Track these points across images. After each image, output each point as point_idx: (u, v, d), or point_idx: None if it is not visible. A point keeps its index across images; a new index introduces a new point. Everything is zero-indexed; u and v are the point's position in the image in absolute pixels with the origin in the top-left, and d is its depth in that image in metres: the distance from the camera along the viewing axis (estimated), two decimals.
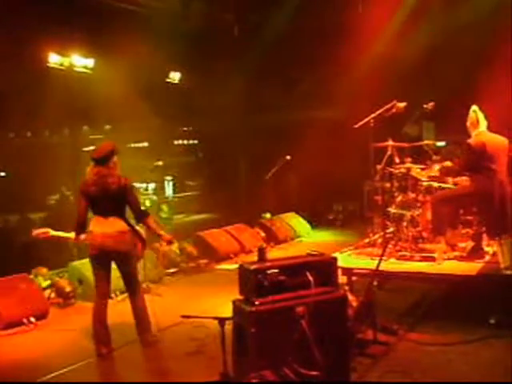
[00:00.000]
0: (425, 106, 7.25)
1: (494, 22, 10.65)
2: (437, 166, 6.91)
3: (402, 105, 7.21)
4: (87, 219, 5.52)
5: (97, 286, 5.60)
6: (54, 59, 11.64)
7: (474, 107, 6.51)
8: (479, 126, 6.39)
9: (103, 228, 5.41)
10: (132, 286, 5.64)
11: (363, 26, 12.03)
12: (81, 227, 5.46)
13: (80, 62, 12.05)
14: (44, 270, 8.04)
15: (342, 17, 12.59)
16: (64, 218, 12.38)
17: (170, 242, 5.73)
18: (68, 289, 7.60)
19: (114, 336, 6.00)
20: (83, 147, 15.38)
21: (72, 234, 5.47)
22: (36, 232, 5.53)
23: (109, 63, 12.12)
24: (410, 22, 11.47)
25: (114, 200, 5.42)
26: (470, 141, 6.34)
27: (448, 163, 6.78)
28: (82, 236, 5.44)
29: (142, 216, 5.56)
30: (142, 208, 5.72)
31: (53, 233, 5.51)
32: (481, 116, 6.43)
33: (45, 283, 7.74)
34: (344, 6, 12.78)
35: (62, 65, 11.78)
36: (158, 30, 11.69)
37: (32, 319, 6.68)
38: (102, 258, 5.47)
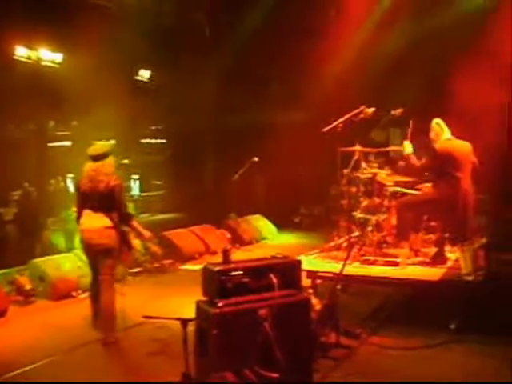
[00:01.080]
0: (392, 112, 7.31)
1: (460, 30, 10.82)
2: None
3: (371, 110, 7.25)
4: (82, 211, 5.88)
5: (91, 273, 6.01)
6: (20, 52, 11.45)
7: (437, 120, 6.57)
8: (443, 134, 6.46)
9: (91, 222, 5.75)
10: (105, 282, 5.75)
11: (335, 30, 12.12)
12: (79, 218, 5.90)
13: (48, 55, 11.88)
14: None
15: (315, 20, 12.66)
16: (30, 214, 12.20)
17: (150, 239, 6.42)
18: (28, 287, 7.46)
19: (74, 335, 5.96)
20: (49, 142, 15.17)
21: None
22: None
23: (77, 58, 11.99)
24: (381, 28, 11.59)
25: (103, 197, 5.69)
26: (437, 146, 6.39)
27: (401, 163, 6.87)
28: None
29: (126, 218, 5.86)
30: (127, 210, 6.00)
31: None
32: (444, 126, 6.50)
33: None
34: (317, 9, 12.85)
35: (29, 58, 11.60)
36: (129, 26, 11.59)
37: None
38: (88, 250, 5.86)
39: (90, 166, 5.78)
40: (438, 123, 6.55)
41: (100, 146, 5.96)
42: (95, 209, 5.74)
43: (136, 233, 6.08)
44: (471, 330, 5.40)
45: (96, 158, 5.78)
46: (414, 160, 6.61)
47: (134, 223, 5.98)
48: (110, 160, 5.84)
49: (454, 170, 6.25)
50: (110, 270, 5.78)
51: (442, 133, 6.48)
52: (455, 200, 6.19)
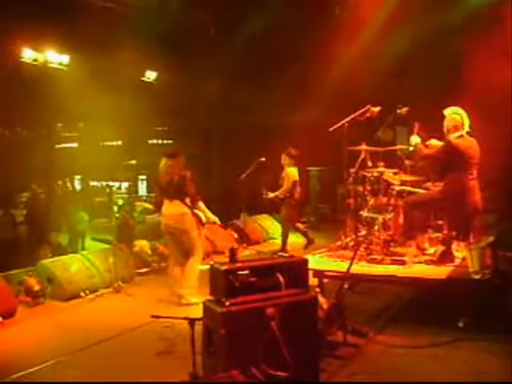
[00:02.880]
0: (398, 110, 7.28)
1: (467, 29, 10.80)
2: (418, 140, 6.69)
3: (377, 109, 7.25)
4: (163, 200, 7.17)
5: (170, 253, 7.50)
6: (28, 54, 11.50)
7: (458, 109, 6.35)
8: (463, 128, 6.27)
9: (169, 209, 7.07)
10: (187, 254, 7.17)
11: (340, 30, 12.12)
12: (158, 206, 7.33)
13: (55, 58, 11.93)
14: None
15: (320, 18, 12.66)
16: (39, 216, 12.26)
17: (214, 221, 7.52)
18: (37, 288, 7.48)
19: (82, 335, 5.99)
20: (56, 144, 15.22)
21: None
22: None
23: (84, 60, 12.03)
24: (386, 28, 11.56)
25: (177, 187, 6.99)
26: (452, 140, 6.23)
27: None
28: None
29: (194, 201, 7.11)
30: (195, 195, 7.19)
31: (139, 204, 8.01)
32: (466, 119, 6.29)
33: None
34: (322, 9, 12.84)
35: (36, 60, 11.65)
36: (135, 27, 11.61)
37: None
38: (168, 233, 7.22)
39: (165, 162, 7.09)
40: (459, 113, 6.31)
41: (173, 147, 7.48)
42: (171, 198, 7.03)
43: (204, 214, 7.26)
44: (479, 328, 5.39)
45: (170, 155, 7.11)
46: (423, 149, 6.54)
47: (201, 206, 7.20)
48: (181, 158, 7.12)
49: (464, 168, 6.18)
50: (189, 246, 7.11)
51: (461, 126, 6.26)
52: (462, 198, 6.17)
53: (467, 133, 6.31)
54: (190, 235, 7.08)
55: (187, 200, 7.06)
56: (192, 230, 7.09)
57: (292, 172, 9.83)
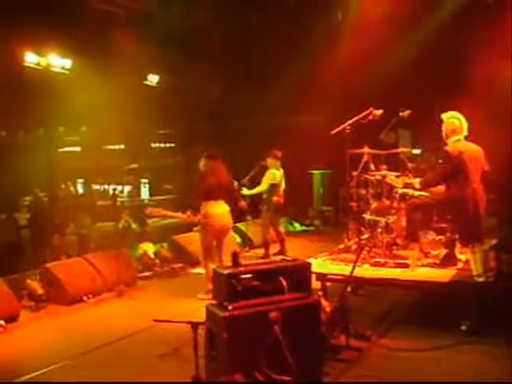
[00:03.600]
0: (400, 113, 7.27)
1: (466, 31, 10.80)
2: (417, 179, 6.80)
3: (379, 112, 7.24)
4: (200, 202, 7.26)
5: (211, 251, 7.38)
6: (30, 58, 11.52)
7: (456, 114, 6.35)
8: (461, 133, 6.27)
9: (218, 209, 7.27)
10: (223, 250, 7.38)
11: (342, 33, 12.14)
12: (196, 209, 7.35)
13: (57, 62, 11.95)
14: None
15: (322, 23, 12.67)
16: (41, 220, 12.27)
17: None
18: (40, 291, 7.48)
19: (85, 339, 5.99)
20: (58, 148, 15.24)
21: (180, 215, 7.68)
22: (150, 210, 8.88)
23: (87, 64, 12.03)
24: (389, 30, 11.56)
25: (224, 188, 7.30)
26: (448, 148, 6.24)
27: (416, 180, 6.70)
28: (197, 218, 7.36)
29: (236, 200, 7.73)
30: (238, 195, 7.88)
31: (163, 212, 8.34)
32: (464, 123, 6.29)
33: None
34: (324, 13, 12.85)
35: (38, 64, 11.67)
36: (138, 32, 11.63)
37: (1, 322, 6.54)
38: (215, 229, 7.26)
39: (207, 163, 7.31)
40: (458, 118, 6.30)
41: (211, 148, 7.59)
42: (217, 198, 7.24)
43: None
44: (482, 331, 5.37)
45: (213, 157, 7.33)
46: (427, 177, 6.58)
47: (242, 204, 7.87)
48: (220, 159, 7.36)
49: (465, 171, 6.15)
50: (228, 244, 7.43)
51: (460, 130, 6.25)
52: (465, 201, 6.13)
53: (465, 137, 6.31)
54: (229, 231, 7.60)
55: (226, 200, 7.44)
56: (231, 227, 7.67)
57: (272, 174, 9.73)
